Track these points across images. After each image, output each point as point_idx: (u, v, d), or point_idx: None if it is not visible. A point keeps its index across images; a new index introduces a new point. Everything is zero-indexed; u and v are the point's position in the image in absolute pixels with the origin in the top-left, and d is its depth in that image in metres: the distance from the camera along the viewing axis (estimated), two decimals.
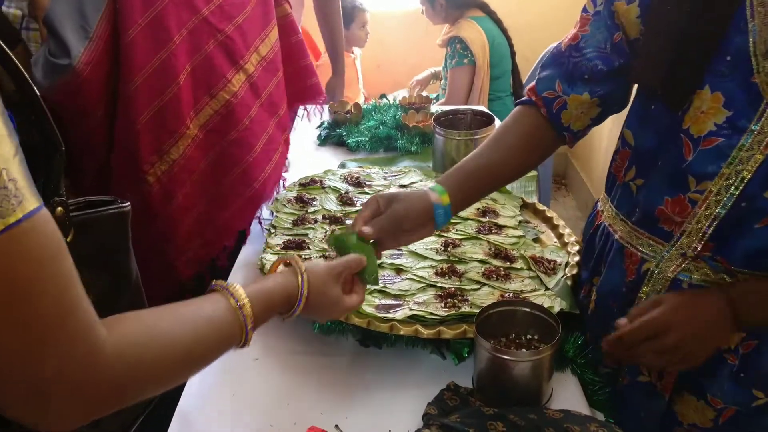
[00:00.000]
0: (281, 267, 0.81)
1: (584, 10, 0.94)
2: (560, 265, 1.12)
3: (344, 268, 0.81)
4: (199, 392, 0.93)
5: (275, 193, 1.36)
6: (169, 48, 1.15)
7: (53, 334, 0.46)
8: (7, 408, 0.47)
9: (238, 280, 1.17)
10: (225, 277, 1.15)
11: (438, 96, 2.73)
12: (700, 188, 0.83)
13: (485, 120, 1.55)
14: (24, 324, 0.45)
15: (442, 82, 2.72)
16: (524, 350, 0.89)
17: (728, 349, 0.87)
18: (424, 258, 1.13)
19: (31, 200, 0.45)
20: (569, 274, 1.08)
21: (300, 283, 0.74)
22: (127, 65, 1.12)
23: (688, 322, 0.80)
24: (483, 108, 1.93)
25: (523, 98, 1.01)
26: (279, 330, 1.05)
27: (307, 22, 2.40)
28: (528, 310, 0.94)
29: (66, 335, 0.47)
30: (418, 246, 1.16)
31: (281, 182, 1.41)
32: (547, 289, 1.06)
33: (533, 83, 0.99)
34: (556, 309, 0.99)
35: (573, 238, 1.19)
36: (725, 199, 0.81)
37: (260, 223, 1.33)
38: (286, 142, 1.41)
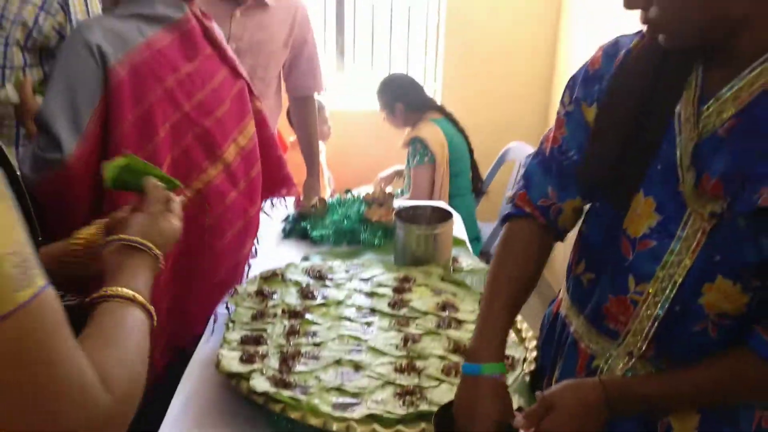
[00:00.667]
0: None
1: (559, 112, 0.97)
2: (518, 360, 1.13)
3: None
4: None
5: (243, 282, 1.36)
6: (154, 142, 1.19)
7: (65, 399, 0.51)
8: None
9: (194, 378, 1.14)
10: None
11: (402, 191, 2.83)
12: (639, 289, 0.86)
13: (444, 215, 1.61)
14: (39, 390, 0.50)
15: (405, 179, 2.83)
16: None
17: None
18: (384, 354, 1.13)
19: (41, 278, 0.51)
20: (527, 370, 1.09)
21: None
22: None
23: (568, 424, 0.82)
24: (442, 204, 2.00)
25: (513, 210, 0.99)
26: (231, 425, 1.01)
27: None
28: None
29: (76, 401, 0.52)
30: (378, 342, 1.16)
31: (247, 269, 1.43)
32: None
33: (523, 192, 0.98)
34: (515, 406, 0.98)
35: (530, 333, 1.21)
36: (662, 301, 0.83)
37: (215, 319, 1.31)
38: (257, 228, 1.44)
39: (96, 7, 1.56)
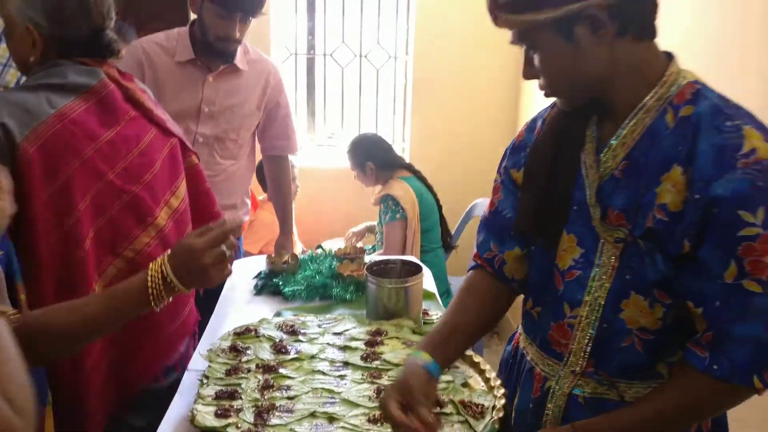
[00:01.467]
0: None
1: (495, 180, 1.15)
2: (488, 408, 1.16)
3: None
4: None
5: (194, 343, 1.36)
6: (74, 216, 1.14)
7: None
8: None
9: None
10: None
11: (374, 247, 2.88)
12: (573, 314, 0.99)
13: (414, 269, 1.66)
14: None
15: (377, 235, 2.89)
16: None
17: None
18: (357, 406, 1.15)
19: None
20: (496, 417, 1.13)
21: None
22: (29, 239, 1.09)
23: None
24: (413, 258, 2.06)
25: (473, 264, 1.16)
26: None
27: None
28: None
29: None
30: (351, 394, 1.18)
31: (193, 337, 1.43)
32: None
33: (475, 249, 1.16)
34: None
35: (498, 382, 1.25)
36: (592, 322, 0.96)
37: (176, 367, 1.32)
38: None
39: None
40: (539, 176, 1.02)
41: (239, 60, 1.97)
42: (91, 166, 1.17)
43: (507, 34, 0.95)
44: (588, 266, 0.97)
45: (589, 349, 0.98)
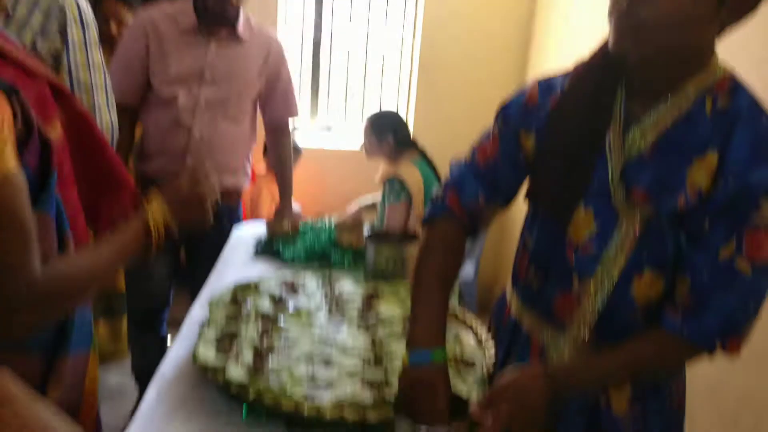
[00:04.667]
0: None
1: (493, 129, 1.09)
2: (478, 362, 1.21)
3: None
4: None
5: None
6: None
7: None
8: None
9: (168, 374, 1.18)
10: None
11: (374, 226, 2.91)
12: (582, 287, 0.99)
13: (413, 239, 1.70)
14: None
15: (378, 214, 2.92)
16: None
17: (623, 416, 1.00)
18: (353, 352, 1.19)
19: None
20: (485, 370, 1.17)
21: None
22: None
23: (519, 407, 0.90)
24: (410, 234, 2.10)
25: (440, 211, 1.08)
26: (207, 416, 1.05)
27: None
28: None
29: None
30: (347, 342, 1.22)
31: None
32: (465, 381, 1.13)
33: (454, 195, 1.07)
34: (474, 398, 1.06)
35: (490, 343, 1.29)
36: (601, 295, 0.98)
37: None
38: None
39: (94, 33, 1.58)
40: (561, 153, 0.99)
41: (242, 30, 2.06)
42: None
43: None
44: (603, 242, 0.97)
45: (594, 320, 0.99)
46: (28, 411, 0.49)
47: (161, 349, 2.29)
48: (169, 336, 2.38)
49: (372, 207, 3.05)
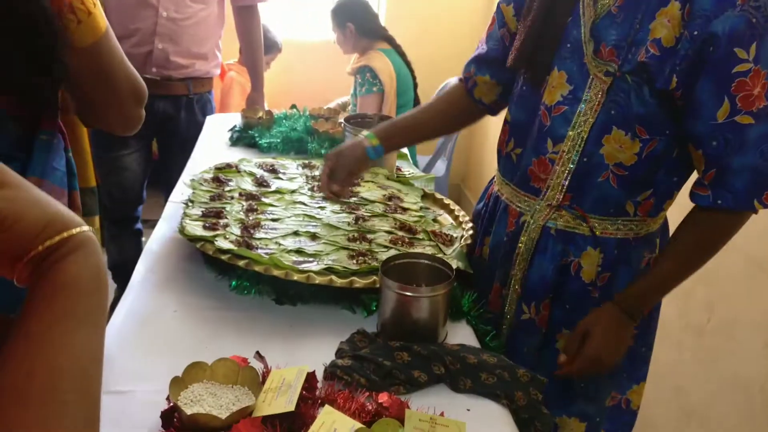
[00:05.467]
0: None
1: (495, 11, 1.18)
2: (456, 238, 1.27)
3: None
4: (118, 334, 0.95)
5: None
6: None
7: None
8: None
9: (155, 250, 1.20)
10: None
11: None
12: (555, 149, 1.05)
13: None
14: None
15: (350, 107, 2.89)
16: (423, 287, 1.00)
17: (590, 282, 1.05)
18: (337, 228, 1.23)
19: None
20: (463, 243, 1.23)
21: None
22: None
23: (605, 342, 1.04)
24: (390, 115, 2.09)
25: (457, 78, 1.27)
26: (195, 288, 1.09)
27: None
28: (427, 262, 1.06)
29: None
30: (332, 219, 1.26)
31: None
32: (444, 254, 1.19)
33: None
34: (454, 267, 1.12)
35: (467, 218, 1.35)
36: (573, 156, 1.03)
37: None
38: None
39: None
40: (537, 11, 1.04)
41: None
42: None
43: None
44: (575, 102, 1.01)
45: (567, 182, 1.04)
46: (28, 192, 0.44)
47: (137, 245, 2.30)
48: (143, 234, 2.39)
49: (342, 106, 3.02)
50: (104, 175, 2.17)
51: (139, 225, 2.33)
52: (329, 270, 1.06)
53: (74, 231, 0.44)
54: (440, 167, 3.17)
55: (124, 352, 0.93)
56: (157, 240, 1.25)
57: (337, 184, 1.23)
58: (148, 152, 2.21)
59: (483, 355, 0.97)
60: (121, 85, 0.84)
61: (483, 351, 0.99)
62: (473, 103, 1.23)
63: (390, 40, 2.76)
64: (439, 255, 1.17)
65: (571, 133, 1.02)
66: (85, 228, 0.46)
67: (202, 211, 1.22)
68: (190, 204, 1.26)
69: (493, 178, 1.25)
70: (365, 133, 1.24)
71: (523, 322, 1.11)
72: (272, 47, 3.04)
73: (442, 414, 0.82)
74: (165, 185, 2.13)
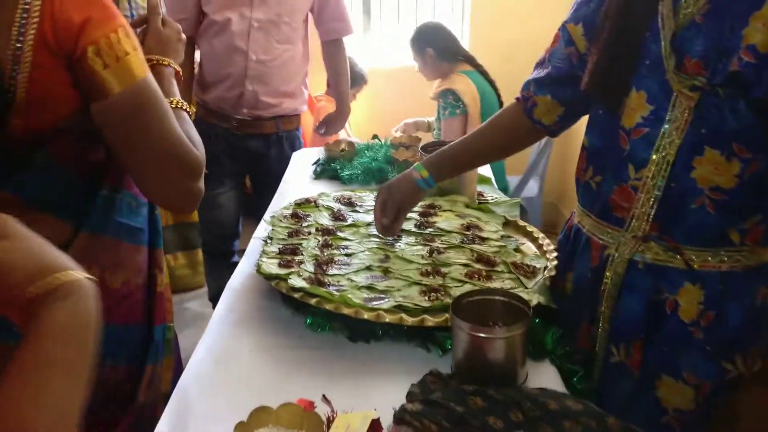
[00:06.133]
0: None
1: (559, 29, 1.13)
2: (539, 269, 1.19)
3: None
4: (196, 374, 0.98)
5: None
6: None
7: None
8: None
9: (234, 289, 1.24)
10: None
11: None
12: (638, 176, 0.96)
13: None
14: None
15: (435, 132, 2.87)
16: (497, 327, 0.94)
17: (691, 323, 0.93)
18: (411, 262, 1.20)
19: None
20: (547, 275, 1.15)
21: None
22: None
23: None
24: None
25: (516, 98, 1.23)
26: (271, 326, 1.11)
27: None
28: (502, 298, 1.00)
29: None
30: (405, 252, 1.23)
31: None
32: (526, 288, 1.12)
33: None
34: (534, 302, 1.05)
35: (552, 247, 1.26)
36: (659, 182, 0.93)
37: None
38: None
39: None
40: (610, 27, 0.96)
41: None
42: None
43: None
44: (658, 123, 0.93)
45: (653, 211, 0.95)
46: (29, 243, 0.46)
47: None
48: None
49: (420, 126, 3.00)
50: (201, 211, 2.31)
51: (236, 258, 2.44)
52: (400, 308, 1.03)
53: (62, 278, 0.45)
54: (533, 187, 3.05)
55: (200, 392, 0.95)
56: (239, 276, 1.28)
57: (387, 218, 1.22)
58: (242, 189, 2.33)
59: (566, 400, 0.89)
60: (161, 150, 0.73)
61: (567, 396, 0.91)
62: (531, 124, 1.17)
63: (472, 61, 2.72)
64: (519, 290, 1.10)
65: (654, 156, 0.93)
66: (79, 276, 0.46)
67: (279, 248, 1.24)
68: (268, 241, 1.29)
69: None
70: (415, 164, 1.21)
71: (612, 366, 1.01)
72: (358, 80, 3.11)
73: None
74: (259, 219, 2.23)
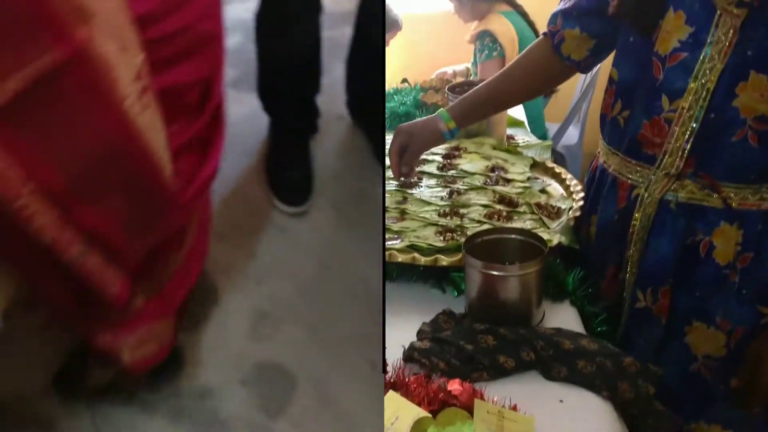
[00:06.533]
0: None
1: None
2: (564, 210, 1.14)
3: None
4: None
5: None
6: None
7: None
8: None
9: None
10: None
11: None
12: (673, 107, 0.88)
13: None
14: None
15: (471, 77, 2.77)
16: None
17: (726, 265, 0.87)
18: (429, 204, 1.17)
19: None
20: (571, 216, 1.10)
21: None
22: None
23: None
24: None
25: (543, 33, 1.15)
26: None
27: None
28: (518, 237, 0.96)
29: None
30: (424, 193, 1.20)
31: None
32: (548, 229, 1.08)
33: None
34: (555, 242, 1.00)
35: (579, 188, 1.20)
36: (696, 113, 0.85)
37: None
38: None
39: None
40: None
41: None
42: None
43: None
44: (697, 47, 0.84)
45: (689, 146, 0.87)
46: None
47: None
48: None
49: (461, 73, 2.89)
50: None
51: None
52: (413, 247, 1.01)
53: None
54: (573, 134, 2.92)
55: None
56: None
57: (407, 167, 1.17)
58: None
59: (581, 340, 0.86)
60: None
61: (583, 336, 0.87)
62: (560, 60, 1.08)
63: (510, 1, 2.58)
64: (540, 229, 1.06)
65: (692, 85, 0.85)
66: None
67: None
68: None
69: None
70: (440, 111, 1.15)
71: (637, 311, 0.96)
72: (392, 25, 3.01)
73: (514, 407, 0.73)
74: None
